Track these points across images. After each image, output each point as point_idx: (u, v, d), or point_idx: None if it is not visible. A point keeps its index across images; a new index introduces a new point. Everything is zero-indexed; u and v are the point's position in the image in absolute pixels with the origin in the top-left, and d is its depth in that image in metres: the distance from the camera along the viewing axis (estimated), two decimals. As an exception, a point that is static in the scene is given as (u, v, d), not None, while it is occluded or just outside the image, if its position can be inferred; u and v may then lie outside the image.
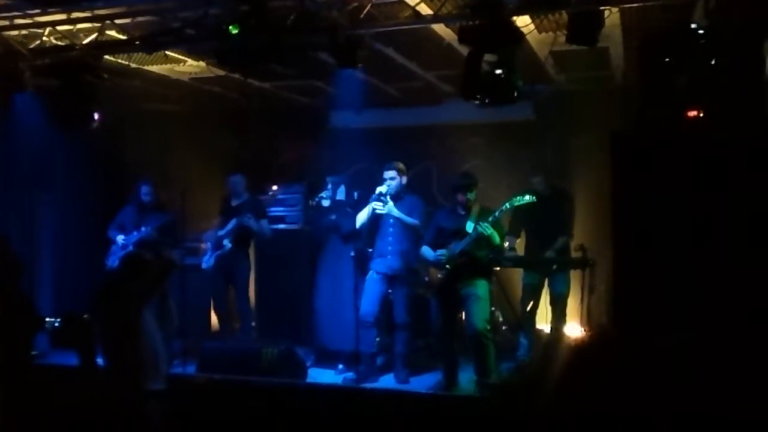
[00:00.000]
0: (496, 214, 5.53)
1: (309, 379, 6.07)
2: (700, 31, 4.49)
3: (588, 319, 6.14)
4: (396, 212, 5.91)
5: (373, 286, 6.02)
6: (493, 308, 6.03)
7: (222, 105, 8.14)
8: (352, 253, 6.10)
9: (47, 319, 6.28)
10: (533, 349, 6.47)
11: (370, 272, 6.08)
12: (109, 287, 4.45)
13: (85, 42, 5.71)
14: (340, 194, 6.62)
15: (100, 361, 4.03)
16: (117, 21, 5.44)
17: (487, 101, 4.86)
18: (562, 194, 6.63)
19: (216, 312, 7.18)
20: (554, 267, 6.36)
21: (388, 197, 5.92)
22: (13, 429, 4.06)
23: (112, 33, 5.64)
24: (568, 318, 6.52)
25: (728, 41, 4.86)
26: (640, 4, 4.70)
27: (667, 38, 4.59)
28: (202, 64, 6.57)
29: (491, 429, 4.58)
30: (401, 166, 6.05)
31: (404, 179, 6.05)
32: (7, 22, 5.62)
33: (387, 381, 6.05)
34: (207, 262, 6.87)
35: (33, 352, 4.76)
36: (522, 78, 4.86)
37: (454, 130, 7.81)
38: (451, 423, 4.81)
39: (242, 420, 5.12)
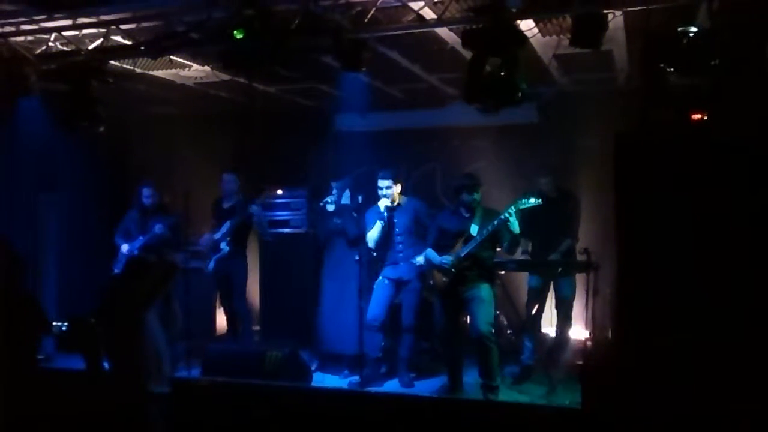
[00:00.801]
0: (502, 216, 5.51)
1: (313, 384, 6.08)
2: (704, 34, 4.49)
3: (592, 323, 6.13)
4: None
5: (382, 291, 6.02)
6: (497, 312, 6.03)
7: (226, 108, 8.17)
8: (357, 257, 6.10)
9: (54, 324, 6.32)
10: (537, 352, 6.46)
11: (380, 278, 6.08)
12: (112, 290, 4.47)
13: (90, 47, 5.75)
14: (345, 198, 6.62)
15: (105, 364, 4.04)
16: (122, 26, 5.48)
17: (489, 105, 4.85)
18: (569, 196, 6.61)
19: (225, 314, 7.20)
20: (559, 270, 6.34)
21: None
22: (17, 432, 4.07)
23: (118, 38, 5.68)
24: (572, 321, 6.51)
25: (731, 43, 4.86)
26: (644, 7, 4.71)
27: (670, 40, 4.59)
28: (207, 68, 6.60)
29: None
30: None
31: (399, 186, 6.05)
32: (13, 28, 5.66)
33: (392, 385, 6.05)
34: (209, 266, 6.88)
35: (39, 356, 4.77)
36: (525, 80, 4.85)
37: (458, 132, 7.82)
38: (456, 426, 4.81)
39: (246, 423, 5.12)
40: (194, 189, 6.56)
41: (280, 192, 7.05)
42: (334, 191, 6.53)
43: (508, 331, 7.09)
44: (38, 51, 5.91)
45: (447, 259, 5.62)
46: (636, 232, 4.92)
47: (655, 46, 4.65)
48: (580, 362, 5.87)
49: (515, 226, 5.43)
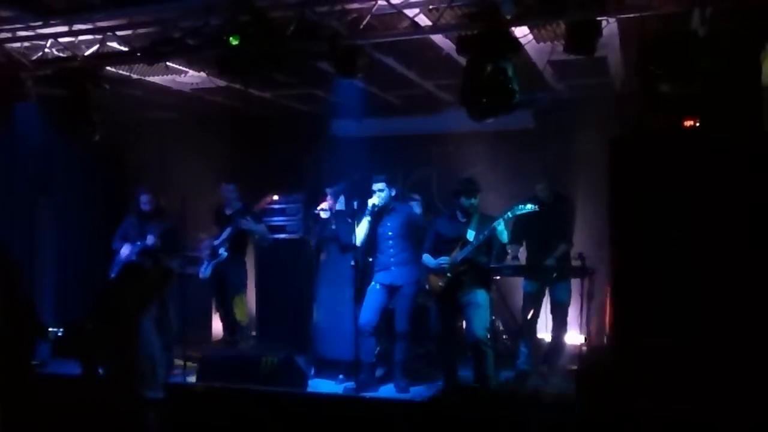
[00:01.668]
0: (493, 225, 5.52)
1: (308, 389, 6.07)
2: (697, 40, 4.52)
3: (587, 327, 6.14)
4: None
5: (374, 296, 6.01)
6: (493, 317, 6.03)
7: (222, 113, 8.18)
8: (352, 263, 6.10)
9: (50, 329, 6.31)
10: (533, 357, 6.47)
11: (373, 283, 6.08)
12: (108, 296, 4.47)
13: (86, 53, 5.76)
14: (340, 204, 6.63)
15: (100, 370, 4.05)
16: (118, 32, 5.49)
17: (484, 112, 4.87)
18: (564, 200, 6.63)
19: (221, 320, 7.19)
20: (554, 275, 6.35)
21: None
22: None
23: (114, 44, 5.69)
24: (568, 326, 6.52)
25: (725, 49, 4.89)
26: (637, 14, 4.73)
27: (664, 46, 4.62)
28: (203, 74, 6.61)
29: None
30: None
31: (393, 190, 6.05)
32: (9, 35, 5.67)
33: (387, 390, 6.05)
34: (204, 271, 6.88)
35: (34, 361, 4.77)
36: (521, 86, 4.87)
37: (454, 138, 7.83)
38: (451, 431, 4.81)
39: (241, 429, 5.12)
40: (190, 193, 6.56)
41: (276, 198, 7.05)
42: (329, 197, 6.54)
43: (504, 336, 7.10)
44: (34, 57, 5.91)
45: (444, 260, 5.64)
46: (630, 237, 4.94)
47: (649, 53, 4.68)
48: (576, 367, 5.88)
49: (504, 235, 5.50)
